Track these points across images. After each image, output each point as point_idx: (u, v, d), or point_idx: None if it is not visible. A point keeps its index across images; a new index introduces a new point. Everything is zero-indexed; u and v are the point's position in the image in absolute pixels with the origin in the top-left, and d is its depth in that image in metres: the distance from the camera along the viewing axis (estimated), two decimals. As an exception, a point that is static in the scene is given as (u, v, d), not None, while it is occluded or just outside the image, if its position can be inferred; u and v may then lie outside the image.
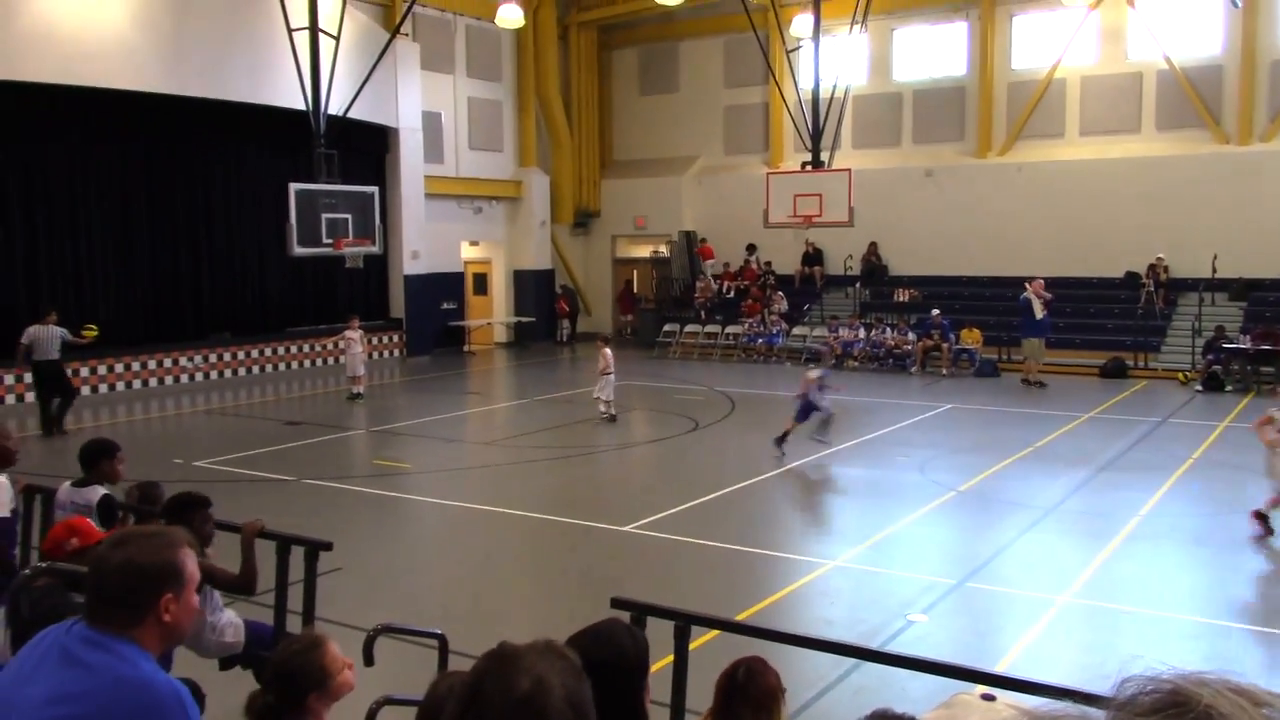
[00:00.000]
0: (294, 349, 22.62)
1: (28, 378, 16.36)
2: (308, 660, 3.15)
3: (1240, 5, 21.21)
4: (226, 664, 5.46)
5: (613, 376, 16.02)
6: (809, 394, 13.29)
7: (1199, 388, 18.88)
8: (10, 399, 17.83)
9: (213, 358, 20.98)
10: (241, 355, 21.58)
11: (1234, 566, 9.15)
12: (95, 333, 15.66)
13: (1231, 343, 19.16)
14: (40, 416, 15.35)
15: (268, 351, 22.13)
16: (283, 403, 18.93)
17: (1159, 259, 22.14)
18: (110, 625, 2.29)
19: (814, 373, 13.70)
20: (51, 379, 15.28)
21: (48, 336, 15.04)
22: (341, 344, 19.33)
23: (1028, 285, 19.86)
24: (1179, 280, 22.12)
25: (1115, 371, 20.10)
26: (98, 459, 6.07)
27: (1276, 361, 18.76)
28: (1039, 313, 19.37)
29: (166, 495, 5.73)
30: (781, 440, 13.21)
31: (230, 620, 5.34)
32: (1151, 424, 15.69)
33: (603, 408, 16.03)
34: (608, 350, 16.15)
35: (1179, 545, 9.74)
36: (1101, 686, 0.98)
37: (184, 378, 20.39)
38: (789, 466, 12.83)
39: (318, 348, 22.94)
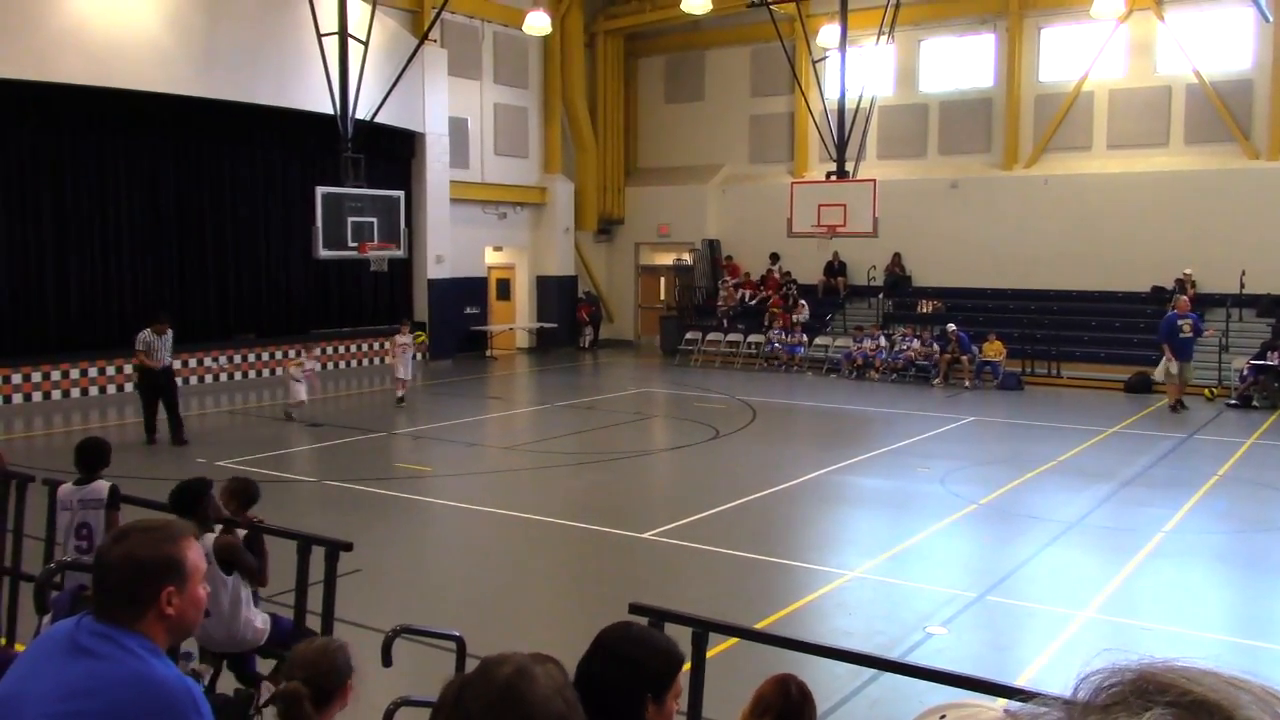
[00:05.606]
0: (318, 351, 22.71)
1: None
2: (342, 654, 3.33)
3: (1272, 19, 21.01)
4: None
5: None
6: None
7: (1234, 402, 18.67)
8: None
9: (237, 358, 21.14)
10: (266, 356, 21.73)
11: (1259, 585, 9.05)
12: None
13: (1263, 358, 18.95)
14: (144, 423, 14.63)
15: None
16: (306, 404, 19.03)
17: (1186, 273, 21.93)
18: (116, 619, 2.30)
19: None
20: (158, 386, 14.49)
21: (162, 345, 14.34)
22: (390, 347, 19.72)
23: (1176, 306, 18.90)
24: (1206, 295, 21.90)
25: (1140, 386, 19.91)
26: (95, 465, 6.34)
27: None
28: (1188, 332, 18.40)
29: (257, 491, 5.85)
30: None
31: (258, 611, 5.48)
32: (1176, 440, 15.54)
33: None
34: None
35: (1203, 562, 9.65)
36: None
37: (208, 378, 20.55)
38: (808, 476, 12.80)
39: (341, 350, 23.08)
